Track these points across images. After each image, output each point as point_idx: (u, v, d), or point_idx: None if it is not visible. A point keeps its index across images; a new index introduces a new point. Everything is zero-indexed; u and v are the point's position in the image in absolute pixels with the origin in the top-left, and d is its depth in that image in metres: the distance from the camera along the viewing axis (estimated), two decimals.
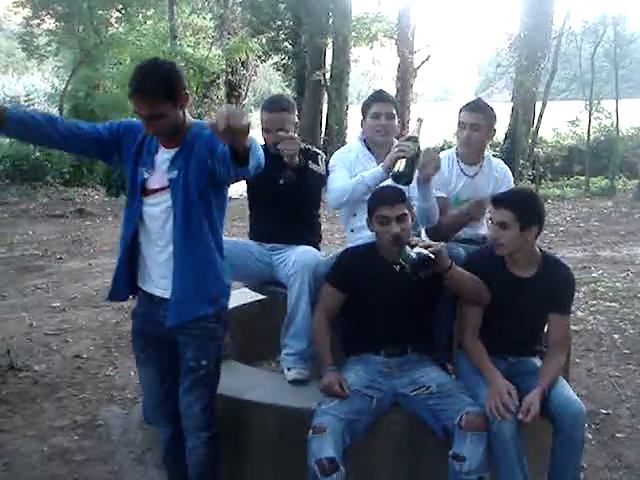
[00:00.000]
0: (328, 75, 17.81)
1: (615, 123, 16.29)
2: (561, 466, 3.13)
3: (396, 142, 3.67)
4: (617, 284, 7.65)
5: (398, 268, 3.31)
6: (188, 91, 2.86)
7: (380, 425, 3.31)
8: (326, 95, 17.96)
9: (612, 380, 5.03)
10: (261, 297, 4.37)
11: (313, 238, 4.00)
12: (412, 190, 3.67)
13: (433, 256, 3.09)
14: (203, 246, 2.91)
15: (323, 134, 18.20)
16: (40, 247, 10.37)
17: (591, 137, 16.60)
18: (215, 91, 19.72)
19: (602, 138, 17.61)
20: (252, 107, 38.65)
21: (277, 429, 3.44)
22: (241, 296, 4.63)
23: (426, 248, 3.15)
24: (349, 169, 3.91)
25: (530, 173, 16.07)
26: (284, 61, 19.65)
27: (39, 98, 20.21)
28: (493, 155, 4.49)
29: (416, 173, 3.55)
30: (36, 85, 21.62)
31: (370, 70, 28.63)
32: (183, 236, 2.87)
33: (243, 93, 20.81)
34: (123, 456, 4.14)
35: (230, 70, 20.03)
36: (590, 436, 4.19)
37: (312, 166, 3.82)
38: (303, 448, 3.04)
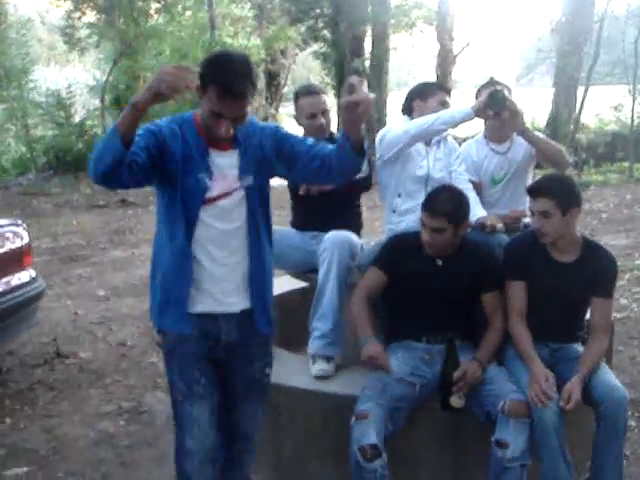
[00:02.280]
0: (367, 63, 17.76)
1: None
2: (603, 453, 3.11)
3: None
4: None
5: (441, 262, 3.37)
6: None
7: (423, 412, 3.32)
8: (366, 83, 17.80)
9: None
10: (303, 285, 4.39)
11: (354, 227, 4.00)
12: None
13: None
14: (269, 252, 2.78)
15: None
16: (84, 237, 10.52)
17: (635, 122, 16.32)
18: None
19: None
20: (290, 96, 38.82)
21: (320, 416, 3.47)
22: (284, 283, 4.66)
23: None
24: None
25: (572, 159, 15.86)
26: (323, 49, 19.61)
27: (80, 90, 20.39)
28: None
29: None
30: (77, 77, 21.84)
31: (409, 57, 28.48)
32: (259, 244, 2.71)
33: (282, 82, 20.84)
34: (168, 441, 4.20)
35: (269, 59, 20.07)
36: (633, 424, 4.16)
37: None
38: (346, 434, 3.06)
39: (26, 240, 5.37)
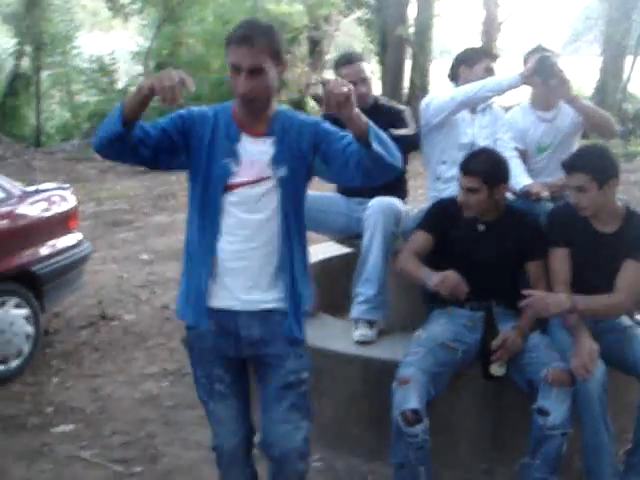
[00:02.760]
0: (411, 30, 17.57)
1: None
2: None
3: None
4: None
5: (483, 228, 3.35)
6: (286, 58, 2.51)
7: (464, 378, 3.33)
8: (409, 50, 17.73)
9: None
10: (347, 250, 4.41)
11: (400, 193, 4.01)
12: None
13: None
14: (300, 255, 2.57)
15: (407, 89, 17.98)
16: (127, 202, 10.64)
17: None
18: (297, 48, 19.66)
19: None
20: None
21: (361, 380, 3.50)
22: (328, 249, 4.68)
23: None
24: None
25: (619, 129, 15.58)
26: (367, 16, 19.39)
27: (124, 56, 20.50)
28: None
29: None
30: (121, 44, 21.95)
31: (454, 25, 28.12)
32: (289, 244, 2.51)
33: (325, 49, 20.71)
34: None
35: (312, 26, 19.93)
36: None
37: (398, 132, 3.79)
38: (387, 399, 3.08)
39: (73, 204, 5.45)
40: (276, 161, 2.46)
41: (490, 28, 17.85)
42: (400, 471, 3.06)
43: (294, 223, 2.52)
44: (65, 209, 5.35)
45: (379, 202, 3.69)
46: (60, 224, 5.27)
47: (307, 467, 2.67)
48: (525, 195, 3.71)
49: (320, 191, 3.98)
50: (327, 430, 3.64)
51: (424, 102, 3.99)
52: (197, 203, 2.51)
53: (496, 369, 3.17)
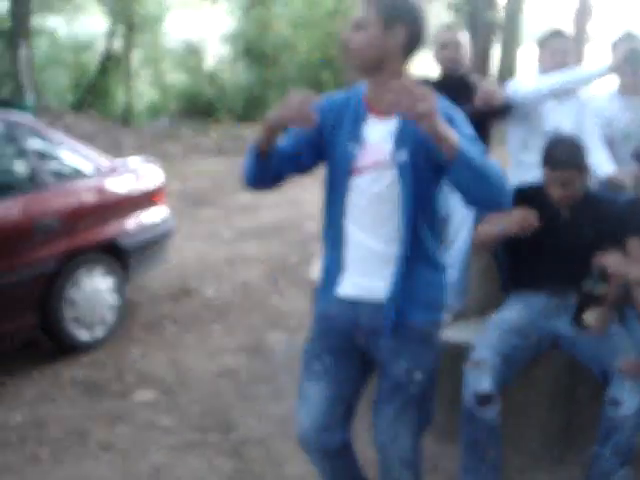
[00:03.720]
0: (501, 15, 17.30)
1: None
2: None
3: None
4: None
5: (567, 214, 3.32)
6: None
7: (539, 365, 3.32)
8: (497, 36, 17.47)
9: None
10: None
11: None
12: None
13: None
14: (426, 244, 2.39)
15: (496, 76, 17.74)
16: (211, 181, 10.81)
17: None
18: None
19: None
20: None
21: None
22: None
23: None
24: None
25: None
26: (456, 1, 19.18)
27: (213, 37, 20.79)
28: None
29: None
30: (210, 24, 22.22)
31: (546, 10, 27.50)
32: (416, 237, 2.35)
33: None
34: (285, 379, 4.35)
35: None
36: None
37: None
38: (459, 382, 3.10)
39: (161, 179, 5.59)
40: (397, 144, 2.30)
41: (582, 13, 17.37)
42: (469, 452, 3.08)
43: (422, 216, 2.35)
44: (151, 184, 5.50)
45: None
46: (146, 199, 5.42)
47: (415, 477, 2.55)
48: (609, 185, 3.65)
49: None
50: None
51: (509, 88, 3.97)
52: (326, 185, 2.46)
53: (589, 318, 3.08)
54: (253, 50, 18.86)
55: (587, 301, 3.09)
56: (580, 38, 16.79)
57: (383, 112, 2.30)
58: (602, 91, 4.30)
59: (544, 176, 3.33)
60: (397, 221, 2.33)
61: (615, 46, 4.09)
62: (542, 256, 3.34)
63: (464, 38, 4.08)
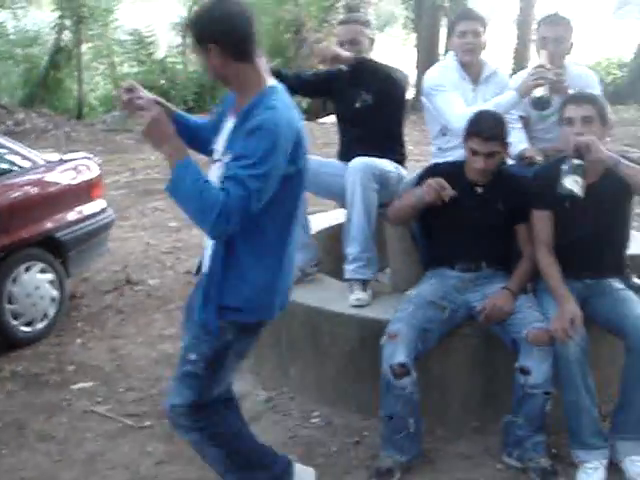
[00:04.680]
0: None
1: None
2: (630, 387, 3.16)
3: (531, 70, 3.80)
4: None
5: (481, 190, 3.43)
6: (213, 45, 2.42)
7: (455, 338, 3.45)
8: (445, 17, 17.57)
9: None
10: None
11: (396, 157, 4.10)
12: None
13: (577, 188, 3.07)
14: (232, 245, 2.50)
15: (442, 57, 17.82)
16: (161, 171, 10.78)
17: None
18: (334, 15, 19.58)
19: None
20: (376, 30, 38.00)
21: (358, 339, 3.63)
22: (335, 216, 4.80)
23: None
24: (456, 90, 4.00)
25: None
26: None
27: (164, 27, 20.66)
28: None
29: None
30: (161, 14, 22.07)
31: None
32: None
33: None
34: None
35: None
36: None
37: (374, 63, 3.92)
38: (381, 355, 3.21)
39: (96, 173, 5.64)
40: (228, 143, 2.50)
41: None
42: (389, 423, 3.20)
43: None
44: (89, 178, 5.55)
45: (356, 161, 3.80)
46: (84, 192, 5.46)
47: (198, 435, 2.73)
48: (519, 158, 3.78)
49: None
50: (326, 388, 3.81)
51: (425, 79, 4.06)
52: None
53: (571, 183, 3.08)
54: None
55: (571, 172, 3.09)
56: (527, 19, 16.95)
57: (234, 113, 2.52)
58: (522, 70, 4.39)
59: (467, 149, 3.43)
60: None
61: (540, 26, 4.15)
62: (456, 232, 3.46)
63: (364, 30, 4.10)
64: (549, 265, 3.31)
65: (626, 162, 3.17)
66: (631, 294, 3.35)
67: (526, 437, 3.20)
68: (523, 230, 3.45)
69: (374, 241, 3.86)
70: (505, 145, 3.43)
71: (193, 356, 2.60)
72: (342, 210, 4.54)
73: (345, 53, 3.86)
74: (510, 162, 4.15)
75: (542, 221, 3.37)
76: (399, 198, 3.59)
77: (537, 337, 3.10)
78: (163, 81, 18.36)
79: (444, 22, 17.45)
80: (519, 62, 16.11)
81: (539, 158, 3.77)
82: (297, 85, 3.94)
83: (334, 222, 4.75)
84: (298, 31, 18.55)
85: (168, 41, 20.53)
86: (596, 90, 4.01)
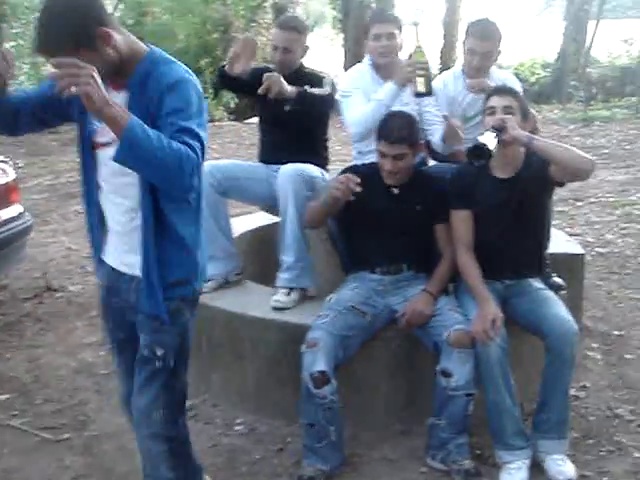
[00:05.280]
0: None
1: None
2: (550, 386, 3.18)
3: (404, 60, 3.69)
4: None
5: (397, 191, 3.40)
6: (105, 27, 2.14)
7: (377, 342, 3.42)
8: None
9: (631, 303, 5.02)
10: (277, 220, 4.46)
11: (319, 160, 4.06)
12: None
13: (490, 145, 3.07)
14: (171, 218, 2.36)
15: None
16: None
17: None
18: (262, 15, 19.52)
19: None
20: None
21: (279, 344, 3.58)
22: (258, 219, 4.74)
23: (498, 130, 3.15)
24: (365, 94, 3.92)
25: (581, 94, 15.66)
26: None
27: None
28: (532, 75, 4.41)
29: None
30: None
31: None
32: (149, 202, 2.31)
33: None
34: None
35: None
36: (599, 357, 4.24)
37: (313, 90, 3.83)
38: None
39: (12, 177, 5.44)
40: None
41: None
42: (310, 431, 3.16)
43: (158, 195, 2.32)
44: (4, 182, 5.35)
45: (287, 168, 3.75)
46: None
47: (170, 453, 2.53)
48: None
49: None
50: (249, 394, 3.75)
51: (341, 79, 4.03)
52: (80, 161, 2.45)
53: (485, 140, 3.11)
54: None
55: (476, 151, 3.11)
56: (452, 19, 17.17)
57: (116, 84, 2.26)
58: (449, 70, 4.38)
59: (378, 151, 3.42)
60: (137, 193, 2.31)
61: (469, 28, 4.13)
62: (375, 235, 3.44)
63: (298, 38, 4.01)
64: (468, 266, 3.32)
65: (541, 139, 3.20)
66: (550, 294, 3.38)
67: (449, 439, 3.19)
68: (442, 231, 3.45)
69: (308, 249, 3.82)
70: (415, 147, 3.41)
71: (159, 351, 2.43)
72: (265, 213, 4.49)
73: (289, 90, 3.76)
74: (431, 162, 4.17)
75: (461, 221, 3.37)
76: (311, 202, 3.56)
77: (458, 339, 3.10)
78: None
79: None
80: (445, 62, 16.28)
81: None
82: (231, 83, 3.90)
83: (257, 225, 4.69)
84: (226, 31, 18.37)
85: None
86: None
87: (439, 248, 3.46)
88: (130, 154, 2.05)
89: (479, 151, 3.09)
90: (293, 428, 3.55)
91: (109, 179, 2.37)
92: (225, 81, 3.88)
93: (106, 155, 2.27)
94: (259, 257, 4.25)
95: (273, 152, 4.05)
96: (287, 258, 3.76)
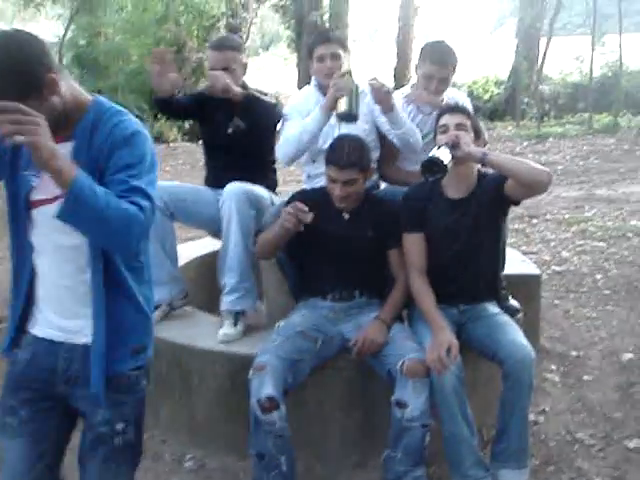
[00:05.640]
0: (327, 16, 17.47)
1: (619, 58, 15.94)
2: (508, 412, 3.08)
3: (331, 81, 3.55)
4: (608, 223, 7.54)
5: (347, 217, 3.30)
6: (54, 74, 1.93)
7: (330, 370, 3.29)
8: None
9: (588, 322, 4.96)
10: None
11: (267, 183, 3.96)
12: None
13: (444, 159, 2.98)
14: (123, 276, 2.14)
15: None
16: None
17: (597, 73, 16.24)
18: (215, 34, 19.41)
19: (609, 74, 17.23)
20: (260, 50, 38.03)
21: (228, 376, 3.43)
22: (205, 245, 4.60)
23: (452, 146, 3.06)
24: (305, 118, 3.80)
25: (535, 111, 15.80)
26: (282, 2, 19.34)
27: None
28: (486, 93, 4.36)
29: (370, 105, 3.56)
30: (43, 34, 21.37)
31: (373, 10, 28.12)
32: (99, 261, 2.09)
33: (244, 37, 20.47)
34: None
35: (230, 13, 19.68)
36: (557, 379, 4.15)
37: (263, 98, 3.76)
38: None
39: None
40: None
41: (407, 12, 17.83)
42: (260, 462, 2.99)
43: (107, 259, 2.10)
44: None
45: (231, 188, 3.63)
46: None
47: None
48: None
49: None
50: (198, 429, 3.59)
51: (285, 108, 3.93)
52: (9, 217, 2.14)
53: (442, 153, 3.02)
54: (84, 58, 18.30)
55: (431, 166, 3.02)
56: (406, 38, 17.25)
57: (60, 135, 1.97)
58: (398, 91, 4.28)
59: (327, 176, 3.31)
60: (85, 252, 2.09)
61: (423, 50, 4.04)
62: (326, 261, 3.33)
63: (237, 57, 3.87)
64: (422, 291, 3.22)
65: (495, 153, 3.14)
66: (506, 318, 3.29)
67: (406, 472, 3.05)
68: (395, 255, 3.34)
69: (252, 270, 3.69)
70: (365, 172, 3.30)
71: (119, 425, 2.19)
72: (213, 239, 4.36)
73: (236, 89, 3.66)
74: (383, 185, 4.08)
75: (414, 244, 3.27)
76: (263, 231, 3.44)
77: (412, 369, 2.97)
78: None
79: None
80: (399, 81, 16.32)
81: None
82: (170, 108, 3.81)
83: (204, 251, 4.55)
84: (179, 51, 18.26)
85: None
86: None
87: (392, 273, 3.36)
88: (75, 211, 1.86)
89: (434, 165, 3.01)
90: (245, 463, 3.39)
91: (50, 238, 2.09)
92: (165, 108, 3.78)
93: (46, 212, 2.02)
94: (207, 284, 4.10)
95: (219, 176, 3.93)
96: (230, 280, 3.63)
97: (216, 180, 3.94)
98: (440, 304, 3.21)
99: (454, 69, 3.93)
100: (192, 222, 4.05)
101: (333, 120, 3.68)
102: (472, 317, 3.29)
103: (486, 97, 17.64)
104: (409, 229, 3.28)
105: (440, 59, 3.85)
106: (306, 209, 3.09)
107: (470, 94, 17.70)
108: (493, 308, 3.35)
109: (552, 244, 6.85)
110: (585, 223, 7.58)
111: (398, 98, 4.05)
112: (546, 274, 5.87)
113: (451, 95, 4.07)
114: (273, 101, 3.87)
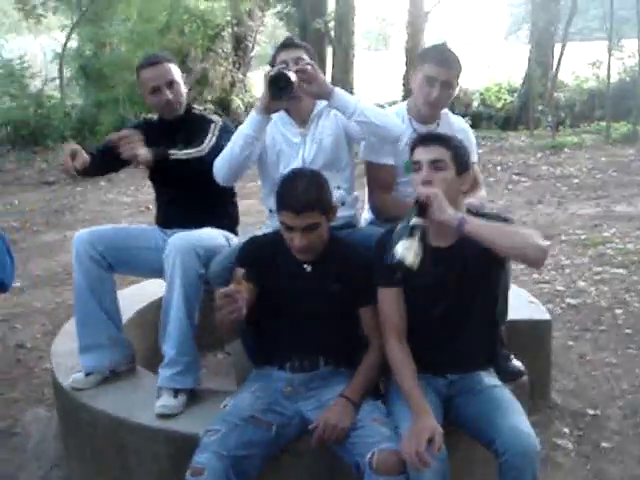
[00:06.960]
0: (332, 23, 16.96)
1: (638, 62, 15.24)
2: None
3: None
4: (629, 245, 6.88)
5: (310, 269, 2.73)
6: None
7: (288, 457, 2.69)
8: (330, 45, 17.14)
9: (606, 370, 4.33)
10: None
11: (224, 221, 3.40)
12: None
13: (412, 257, 2.38)
14: None
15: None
16: (20, 218, 9.87)
17: (615, 79, 15.54)
18: (220, 44, 18.93)
19: (627, 79, 16.51)
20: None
21: (168, 457, 2.85)
22: (154, 288, 3.99)
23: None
24: (274, 139, 3.27)
25: (549, 119, 15.11)
26: (286, 9, 18.84)
27: (42, 59, 19.63)
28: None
29: None
30: (41, 45, 21.00)
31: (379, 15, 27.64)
32: None
33: (250, 45, 19.97)
34: (30, 473, 3.61)
35: (235, 22, 19.19)
36: (570, 446, 3.53)
37: (176, 156, 3.20)
38: None
39: None
40: None
41: (416, 18, 17.21)
42: None
43: None
44: None
45: (177, 239, 3.06)
46: None
47: None
48: None
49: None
50: None
51: None
52: None
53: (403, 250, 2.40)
54: (89, 69, 17.98)
55: (396, 273, 2.51)
56: (415, 44, 16.70)
57: None
58: (392, 108, 3.72)
59: (281, 223, 2.71)
60: None
61: (422, 54, 3.59)
62: (284, 322, 2.73)
63: (175, 70, 3.43)
64: (400, 360, 2.61)
65: (475, 220, 2.52)
66: (506, 394, 2.66)
67: None
68: (368, 314, 2.74)
69: (194, 340, 3.11)
70: (328, 213, 2.70)
71: None
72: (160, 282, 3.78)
73: (143, 154, 3.12)
74: (365, 219, 3.50)
75: (390, 301, 2.67)
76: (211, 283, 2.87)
77: (383, 463, 2.36)
78: (38, 117, 17.25)
79: (330, 49, 17.12)
80: (409, 90, 15.72)
81: None
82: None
83: (153, 295, 3.95)
84: (183, 61, 17.81)
85: (48, 73, 19.56)
86: (471, 141, 3.48)
87: (365, 336, 2.75)
88: None
89: (397, 274, 2.50)
90: None
91: None
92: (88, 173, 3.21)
93: None
94: (153, 337, 3.50)
95: (169, 214, 3.42)
96: (169, 350, 3.07)
97: (166, 219, 3.42)
98: (423, 373, 2.62)
99: (458, 77, 3.37)
100: (137, 272, 3.49)
101: (297, 139, 3.19)
102: (463, 390, 2.69)
103: (499, 105, 16.98)
104: (383, 282, 2.67)
105: (442, 58, 3.32)
106: (243, 289, 2.49)
107: (482, 102, 17.11)
108: (489, 379, 2.74)
109: (567, 271, 6.21)
110: (603, 245, 6.93)
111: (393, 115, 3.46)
112: (560, 308, 5.27)
113: (455, 122, 3.52)
114: (204, 150, 3.27)
